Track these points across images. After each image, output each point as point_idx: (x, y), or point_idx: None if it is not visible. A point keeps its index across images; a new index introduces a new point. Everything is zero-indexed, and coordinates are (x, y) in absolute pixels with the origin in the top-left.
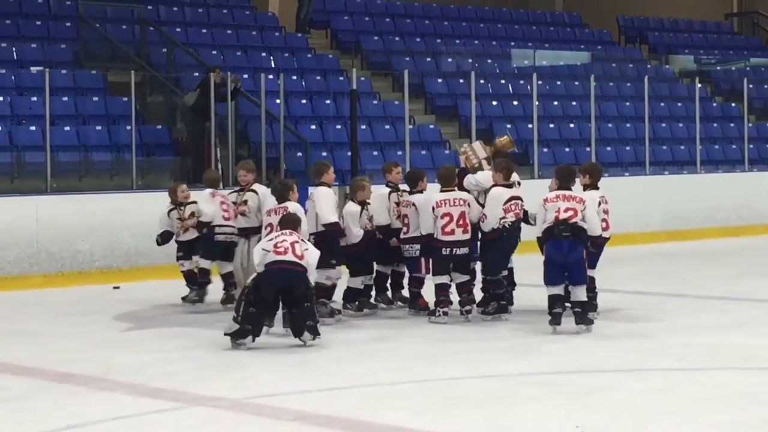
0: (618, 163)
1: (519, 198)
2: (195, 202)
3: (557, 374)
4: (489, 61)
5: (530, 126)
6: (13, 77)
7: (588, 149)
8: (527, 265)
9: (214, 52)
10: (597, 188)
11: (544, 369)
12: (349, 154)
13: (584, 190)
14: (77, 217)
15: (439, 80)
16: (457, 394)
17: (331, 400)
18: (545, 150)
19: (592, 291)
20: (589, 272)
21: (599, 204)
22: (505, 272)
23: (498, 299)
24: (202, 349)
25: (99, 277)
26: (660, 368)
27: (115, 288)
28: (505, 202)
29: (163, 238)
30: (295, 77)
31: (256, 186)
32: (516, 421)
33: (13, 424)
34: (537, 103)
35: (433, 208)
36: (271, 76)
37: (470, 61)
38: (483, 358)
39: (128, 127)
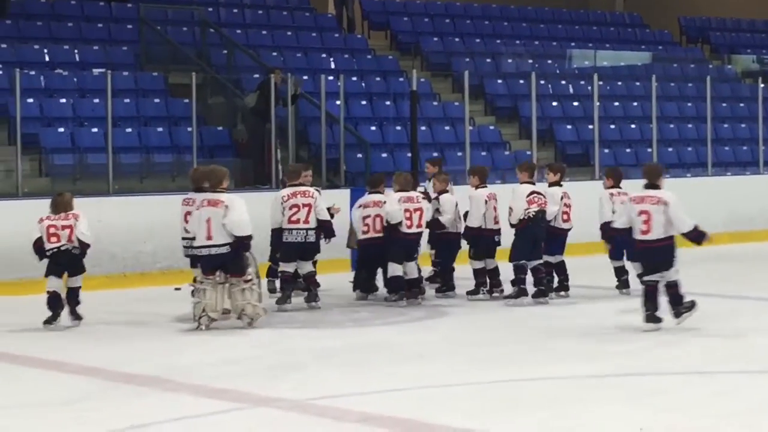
0: (680, 164)
1: (541, 193)
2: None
3: (620, 376)
4: (549, 61)
5: (591, 127)
6: (75, 79)
7: (649, 150)
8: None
9: (274, 53)
10: (561, 185)
11: (606, 371)
12: (409, 155)
13: (549, 186)
14: (139, 219)
15: (499, 81)
16: (517, 397)
17: (392, 401)
18: (606, 151)
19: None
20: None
21: (561, 198)
22: (540, 261)
23: (518, 284)
24: (264, 350)
25: (161, 278)
26: (725, 371)
27: (176, 289)
28: (528, 195)
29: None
30: (355, 78)
31: None
32: (577, 423)
33: (78, 424)
34: (598, 103)
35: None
36: (331, 78)
37: (530, 61)
38: (544, 359)
39: (189, 129)
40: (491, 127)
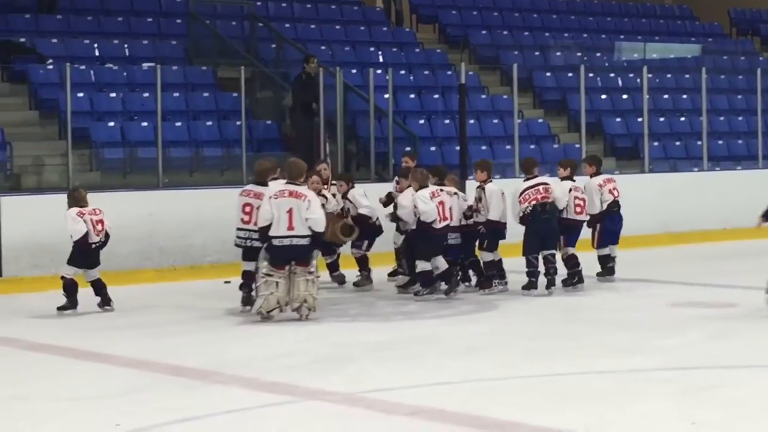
0: (730, 157)
1: (540, 186)
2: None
3: (670, 370)
4: (598, 54)
5: (640, 119)
6: (125, 74)
7: (699, 143)
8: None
9: (323, 47)
10: (573, 180)
11: (656, 365)
12: (458, 148)
13: (561, 180)
14: (189, 212)
15: (548, 74)
16: (568, 390)
17: (442, 395)
18: (655, 144)
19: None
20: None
21: (570, 191)
22: (552, 252)
23: (529, 276)
24: (314, 343)
25: (210, 271)
26: None
27: (226, 282)
28: (521, 194)
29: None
30: (403, 72)
31: None
32: (629, 418)
33: (129, 416)
34: (647, 96)
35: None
36: (379, 71)
37: (579, 54)
38: (593, 353)
39: (238, 123)
40: (540, 120)
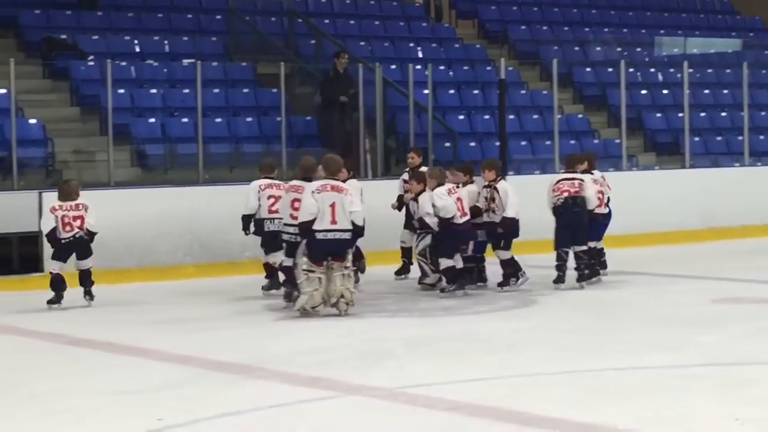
0: None
1: (575, 179)
2: None
3: (712, 366)
4: (638, 49)
5: (681, 115)
6: (165, 70)
7: (740, 138)
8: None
9: (362, 43)
10: (591, 173)
11: (698, 361)
12: (498, 144)
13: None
14: (229, 208)
15: (588, 69)
16: (608, 386)
17: (483, 390)
18: (696, 139)
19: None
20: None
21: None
22: (585, 247)
23: (558, 270)
24: (354, 338)
25: (250, 267)
26: None
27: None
28: (555, 183)
29: None
30: (443, 68)
31: None
32: (672, 414)
33: (170, 410)
34: (688, 91)
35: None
36: (419, 67)
37: (619, 49)
38: (634, 349)
39: (278, 119)
40: (580, 116)
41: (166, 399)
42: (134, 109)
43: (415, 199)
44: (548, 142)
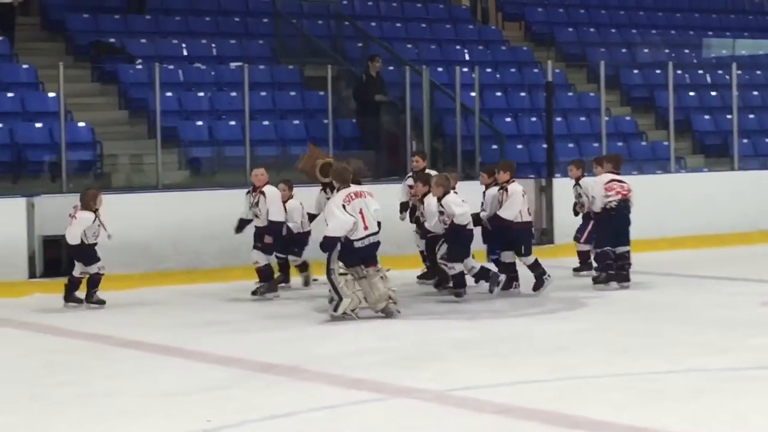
0: None
1: (623, 181)
2: None
3: (763, 369)
4: (686, 51)
5: (729, 117)
6: (212, 73)
7: None
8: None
9: (409, 45)
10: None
11: (750, 363)
12: (545, 146)
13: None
14: None
15: (635, 71)
16: (659, 389)
17: (532, 393)
18: (745, 141)
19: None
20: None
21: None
22: (627, 248)
23: (606, 270)
24: (400, 341)
25: (294, 269)
26: None
27: (313, 281)
28: (607, 182)
29: None
30: (489, 70)
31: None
32: (724, 417)
33: (218, 412)
34: (736, 93)
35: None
36: (465, 69)
37: (666, 51)
38: (684, 352)
39: (325, 121)
40: (627, 118)
41: (214, 400)
42: (182, 112)
43: (421, 201)
44: (595, 144)
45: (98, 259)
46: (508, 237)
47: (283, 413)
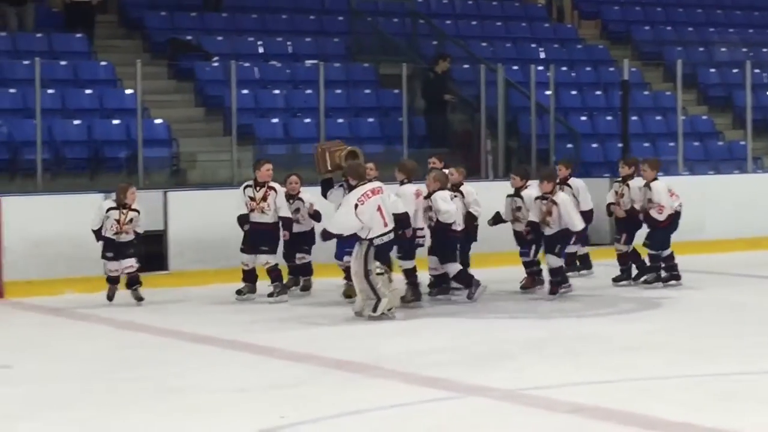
0: None
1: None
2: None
3: None
4: (764, 50)
5: None
6: (288, 71)
7: None
8: None
9: (484, 44)
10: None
11: None
12: (620, 145)
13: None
14: None
15: (712, 70)
16: (733, 390)
17: (605, 392)
18: None
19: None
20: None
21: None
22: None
23: (656, 270)
24: (471, 339)
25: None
26: None
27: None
28: (669, 190)
29: None
30: (565, 68)
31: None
32: None
33: (292, 408)
34: None
35: None
36: (540, 68)
37: (744, 50)
38: (760, 353)
39: (399, 119)
40: (704, 117)
41: (287, 397)
42: (257, 110)
43: (428, 197)
44: (671, 144)
45: (126, 256)
46: (556, 241)
47: (356, 410)
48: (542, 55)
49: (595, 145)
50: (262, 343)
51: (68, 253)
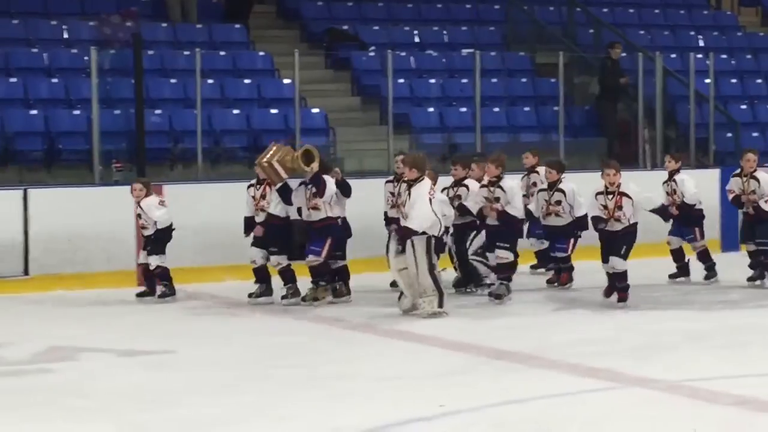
0: None
1: None
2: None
3: None
4: None
5: None
6: (444, 60)
7: None
8: None
9: (642, 31)
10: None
11: None
12: None
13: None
14: None
15: None
16: None
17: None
18: None
19: None
20: None
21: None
22: None
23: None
24: (632, 331)
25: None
26: None
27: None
28: None
29: None
30: (724, 56)
31: None
32: None
33: (451, 397)
34: None
35: None
36: (699, 56)
37: None
38: None
39: (555, 108)
40: None
41: (446, 385)
42: (413, 99)
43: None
44: None
45: (154, 252)
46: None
47: (517, 399)
48: (701, 43)
49: (755, 134)
50: (419, 332)
51: (226, 242)
